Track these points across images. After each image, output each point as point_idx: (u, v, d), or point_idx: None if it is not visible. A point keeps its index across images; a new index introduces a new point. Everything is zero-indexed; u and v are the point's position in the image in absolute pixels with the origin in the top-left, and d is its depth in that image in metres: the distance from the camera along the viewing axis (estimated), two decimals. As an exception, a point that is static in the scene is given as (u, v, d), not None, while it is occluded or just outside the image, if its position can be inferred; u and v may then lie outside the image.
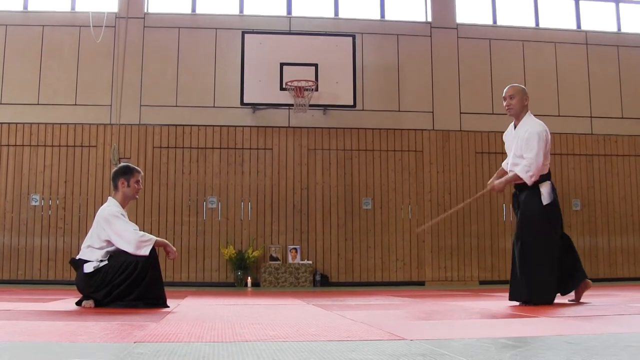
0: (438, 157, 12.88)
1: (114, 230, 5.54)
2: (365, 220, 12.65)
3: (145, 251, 5.47)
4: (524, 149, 5.93)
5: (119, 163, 12.13)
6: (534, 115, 6.16)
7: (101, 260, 5.52)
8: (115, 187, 5.84)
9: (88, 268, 5.51)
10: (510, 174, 6.03)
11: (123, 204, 5.81)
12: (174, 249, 5.78)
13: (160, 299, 5.57)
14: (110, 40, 12.48)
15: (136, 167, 5.94)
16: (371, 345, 3.03)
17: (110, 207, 5.69)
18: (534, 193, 5.90)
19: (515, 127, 6.18)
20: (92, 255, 5.57)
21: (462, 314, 4.90)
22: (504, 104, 6.20)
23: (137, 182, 5.86)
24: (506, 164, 6.44)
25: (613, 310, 5.15)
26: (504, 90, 6.23)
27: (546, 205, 5.87)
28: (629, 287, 10.00)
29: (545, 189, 5.90)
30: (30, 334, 3.37)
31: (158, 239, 5.62)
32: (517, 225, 5.97)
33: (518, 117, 6.13)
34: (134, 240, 5.47)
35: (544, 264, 5.74)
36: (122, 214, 5.66)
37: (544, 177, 5.94)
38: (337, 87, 12.21)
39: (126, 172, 5.85)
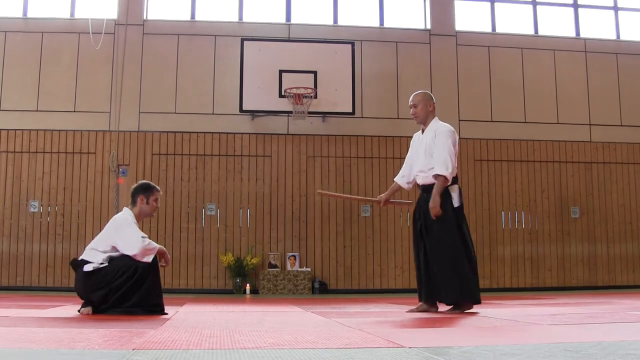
0: (437, 165, 12.85)
1: (122, 235, 5.61)
2: (364, 227, 12.65)
3: (148, 259, 5.53)
4: (434, 147, 6.05)
5: (118, 170, 12.19)
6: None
7: (101, 263, 5.54)
8: (134, 202, 5.93)
9: (88, 268, 5.53)
10: (437, 183, 6.01)
11: (138, 218, 5.90)
12: (169, 257, 5.85)
13: (159, 306, 5.57)
14: (110, 47, 12.49)
15: (156, 186, 6.04)
16: (370, 352, 3.02)
17: (125, 215, 5.82)
18: (445, 196, 6.00)
19: (422, 132, 6.32)
20: (94, 257, 5.60)
21: (461, 322, 4.90)
22: (410, 112, 6.35)
23: (156, 200, 5.97)
24: (401, 177, 6.52)
25: (612, 317, 5.14)
26: (410, 99, 6.38)
27: (456, 208, 6.04)
28: (628, 295, 9.99)
29: (455, 193, 6.07)
30: (28, 341, 3.37)
31: (160, 247, 5.67)
32: (429, 228, 6.02)
33: (425, 124, 6.29)
34: (139, 247, 5.53)
35: (465, 263, 5.88)
36: (134, 223, 5.74)
37: (454, 181, 6.10)
38: (336, 94, 12.22)
39: (147, 190, 5.94)
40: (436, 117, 6.29)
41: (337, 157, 12.73)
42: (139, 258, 5.51)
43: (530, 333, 4.00)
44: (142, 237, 5.61)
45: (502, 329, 4.33)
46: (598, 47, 13.76)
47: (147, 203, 5.91)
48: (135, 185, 6.09)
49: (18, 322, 4.67)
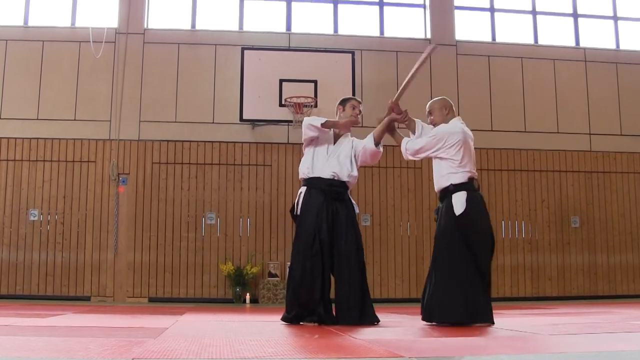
0: (437, 174, 12.84)
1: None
2: (363, 236, 12.49)
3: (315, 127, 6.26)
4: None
5: (118, 178, 12.19)
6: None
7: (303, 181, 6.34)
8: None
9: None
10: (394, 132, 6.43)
11: (343, 127, 6.67)
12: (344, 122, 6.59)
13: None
14: (110, 56, 12.51)
15: (353, 97, 6.81)
16: (370, 362, 3.01)
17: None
18: (449, 204, 5.57)
19: None
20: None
21: (461, 331, 4.88)
22: (428, 120, 6.29)
23: (353, 107, 6.74)
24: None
25: (613, 327, 5.13)
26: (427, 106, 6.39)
27: (458, 216, 5.47)
28: (628, 305, 9.98)
29: (458, 199, 5.51)
30: (27, 350, 3.36)
31: (325, 122, 6.45)
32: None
33: None
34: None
35: (455, 279, 5.37)
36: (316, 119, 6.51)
37: (459, 187, 5.61)
38: (336, 103, 12.19)
39: (342, 101, 6.80)
40: (455, 118, 6.08)
41: (337, 166, 12.69)
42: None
43: (530, 343, 3.99)
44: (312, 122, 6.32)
45: (503, 340, 4.31)
46: (598, 57, 13.77)
47: (344, 110, 6.62)
48: None
49: (17, 331, 4.67)
